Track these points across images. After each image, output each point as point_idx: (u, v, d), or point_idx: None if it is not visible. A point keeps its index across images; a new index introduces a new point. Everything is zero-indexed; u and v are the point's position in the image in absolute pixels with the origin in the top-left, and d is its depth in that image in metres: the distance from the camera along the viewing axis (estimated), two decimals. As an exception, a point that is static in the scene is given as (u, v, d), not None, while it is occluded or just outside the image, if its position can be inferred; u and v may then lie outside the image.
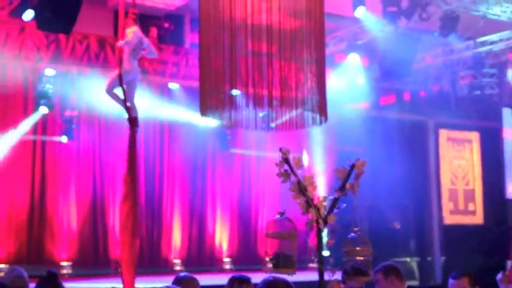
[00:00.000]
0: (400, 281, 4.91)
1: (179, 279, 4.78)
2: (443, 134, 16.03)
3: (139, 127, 6.65)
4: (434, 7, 11.37)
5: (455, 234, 15.12)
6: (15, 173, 11.84)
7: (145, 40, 7.25)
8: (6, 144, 11.67)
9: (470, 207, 16.22)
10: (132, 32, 6.90)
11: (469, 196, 16.25)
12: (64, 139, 12.23)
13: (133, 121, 6.55)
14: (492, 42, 13.30)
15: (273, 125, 4.42)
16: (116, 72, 6.82)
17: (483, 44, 13.39)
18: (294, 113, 4.26)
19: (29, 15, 10.00)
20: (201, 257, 13.55)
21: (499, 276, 5.52)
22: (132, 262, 6.15)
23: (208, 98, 4.27)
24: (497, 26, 12.18)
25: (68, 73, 12.04)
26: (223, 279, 4.91)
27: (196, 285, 4.87)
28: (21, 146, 11.89)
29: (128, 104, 6.71)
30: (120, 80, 6.59)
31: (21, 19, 10.26)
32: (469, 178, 16.34)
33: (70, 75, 12.08)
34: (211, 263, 13.53)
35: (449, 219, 15.74)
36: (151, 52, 7.49)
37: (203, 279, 11.50)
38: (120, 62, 6.69)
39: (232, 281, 4.79)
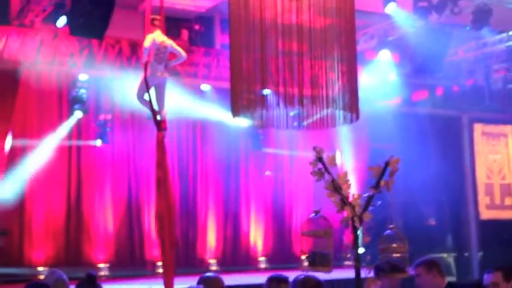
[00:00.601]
0: (441, 276, 4.88)
1: (204, 279, 4.80)
2: (478, 128, 15.83)
3: (169, 129, 6.74)
4: (465, 1, 11.24)
5: (492, 229, 14.92)
6: (52, 178, 12.01)
7: (169, 44, 7.31)
8: (44, 150, 11.86)
9: (507, 201, 15.99)
10: (150, 39, 6.99)
11: (506, 190, 16.02)
12: (98, 143, 12.37)
13: (160, 124, 6.63)
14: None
15: (304, 123, 4.42)
16: (141, 78, 6.92)
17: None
18: (325, 111, 4.26)
19: (62, 21, 10.18)
20: (236, 256, 13.60)
21: None
22: (170, 262, 6.25)
23: (240, 98, 4.30)
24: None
25: (101, 77, 12.16)
26: (258, 278, 4.94)
27: (220, 284, 4.88)
28: (58, 151, 12.06)
29: (156, 108, 6.80)
30: (146, 85, 6.68)
31: (55, 25, 10.44)
32: (505, 172, 16.11)
33: (103, 80, 12.21)
34: (247, 263, 13.58)
35: (485, 214, 15.53)
36: (179, 55, 7.55)
37: (238, 278, 11.61)
38: (144, 68, 6.80)
39: (270, 280, 4.81)
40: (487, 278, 4.93)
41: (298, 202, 14.25)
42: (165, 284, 6.16)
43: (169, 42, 7.36)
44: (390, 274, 4.26)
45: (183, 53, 7.66)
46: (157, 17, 7.17)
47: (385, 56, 13.26)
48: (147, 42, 7.03)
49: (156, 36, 7.19)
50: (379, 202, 4.16)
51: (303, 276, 4.20)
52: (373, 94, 12.78)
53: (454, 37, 12.35)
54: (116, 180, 12.65)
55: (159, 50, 7.20)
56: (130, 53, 12.02)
